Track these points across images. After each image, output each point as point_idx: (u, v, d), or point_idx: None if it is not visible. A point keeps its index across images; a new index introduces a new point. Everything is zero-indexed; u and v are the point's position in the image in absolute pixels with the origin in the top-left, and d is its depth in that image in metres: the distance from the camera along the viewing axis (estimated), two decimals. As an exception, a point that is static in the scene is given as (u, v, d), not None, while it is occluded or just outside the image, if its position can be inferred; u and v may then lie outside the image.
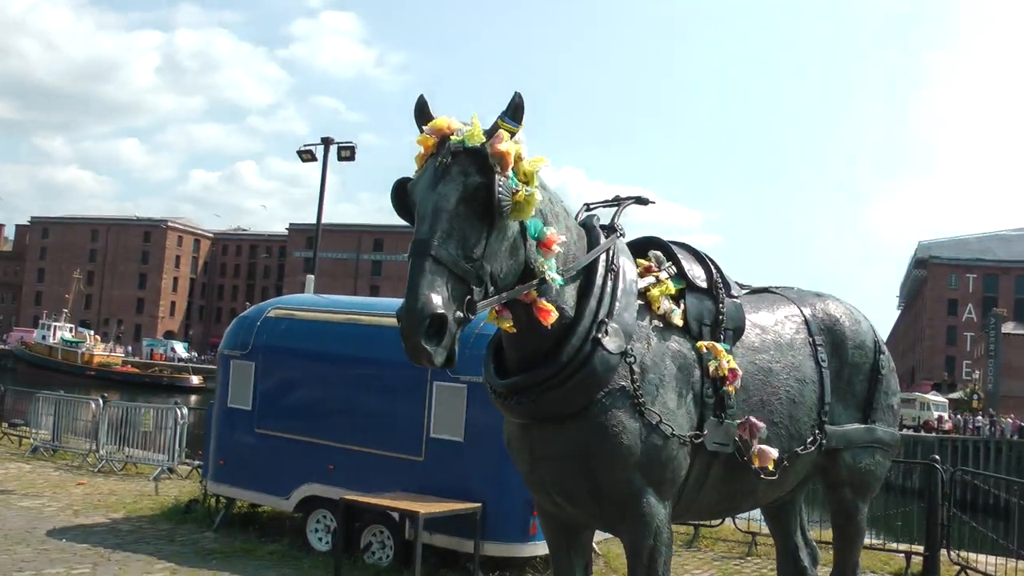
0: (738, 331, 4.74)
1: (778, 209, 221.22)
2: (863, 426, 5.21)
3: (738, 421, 4.48)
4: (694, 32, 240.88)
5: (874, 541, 12.20)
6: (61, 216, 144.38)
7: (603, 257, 4.34)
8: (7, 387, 23.63)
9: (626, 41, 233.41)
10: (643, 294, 4.47)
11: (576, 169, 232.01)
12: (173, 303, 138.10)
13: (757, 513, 12.17)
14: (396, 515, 9.47)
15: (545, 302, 3.98)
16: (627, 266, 4.44)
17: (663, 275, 4.62)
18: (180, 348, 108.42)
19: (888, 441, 5.35)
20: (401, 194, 3.88)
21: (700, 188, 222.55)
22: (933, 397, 68.29)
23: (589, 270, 4.29)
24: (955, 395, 79.03)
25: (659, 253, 4.81)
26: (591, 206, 4.74)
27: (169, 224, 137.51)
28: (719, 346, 4.53)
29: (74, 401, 19.12)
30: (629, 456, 4.16)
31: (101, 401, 18.10)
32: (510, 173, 3.75)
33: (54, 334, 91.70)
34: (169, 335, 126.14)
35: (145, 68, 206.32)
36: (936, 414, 61.84)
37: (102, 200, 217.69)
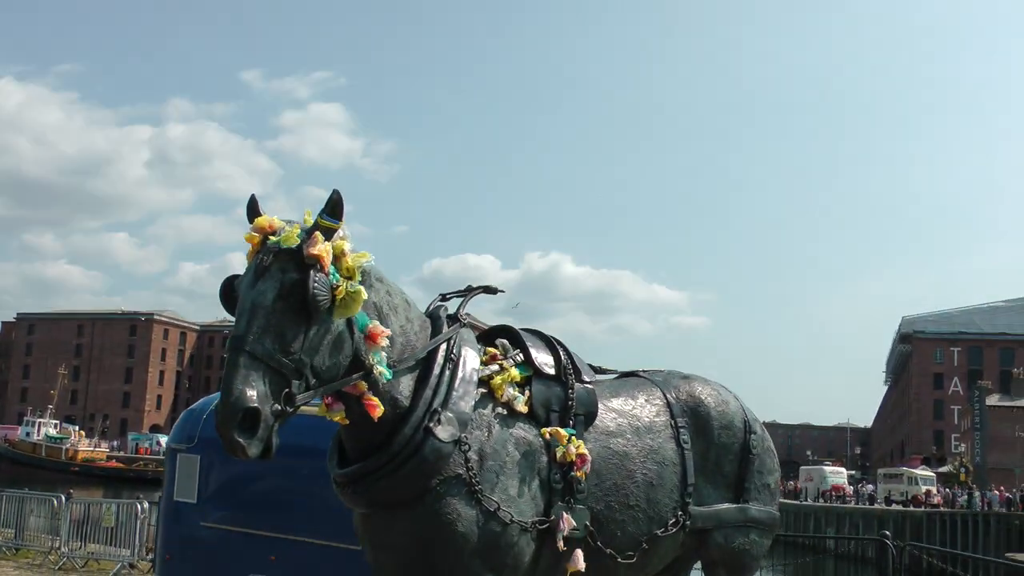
0: (590, 416, 4.77)
1: (765, 287, 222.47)
2: (734, 506, 5.21)
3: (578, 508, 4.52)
4: (676, 112, 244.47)
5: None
6: (47, 312, 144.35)
7: (443, 347, 4.44)
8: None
9: (609, 122, 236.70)
10: (486, 382, 4.52)
11: (564, 254, 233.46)
12: (159, 396, 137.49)
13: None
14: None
15: (372, 395, 4.07)
16: (469, 355, 4.50)
17: (508, 363, 4.66)
18: (165, 441, 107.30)
19: (764, 520, 5.34)
20: (228, 291, 3.98)
21: (685, 269, 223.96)
22: (921, 472, 68.09)
23: (428, 360, 4.38)
24: (944, 469, 78.92)
25: (505, 341, 4.88)
26: (446, 296, 4.85)
27: (156, 317, 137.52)
28: (563, 431, 4.56)
29: (37, 498, 19.02)
30: (465, 543, 4.19)
31: (64, 498, 18.04)
32: (331, 269, 3.86)
33: (38, 431, 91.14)
34: (155, 429, 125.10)
35: (136, 162, 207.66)
36: (924, 488, 61.55)
37: (90, 294, 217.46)
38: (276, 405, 3.70)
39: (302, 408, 3.88)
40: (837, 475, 72.56)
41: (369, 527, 4.45)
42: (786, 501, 66.33)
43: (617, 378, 5.38)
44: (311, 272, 3.79)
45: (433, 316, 4.65)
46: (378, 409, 4.09)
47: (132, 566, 16.11)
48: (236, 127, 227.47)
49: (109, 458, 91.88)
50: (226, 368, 3.71)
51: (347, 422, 4.18)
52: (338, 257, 3.93)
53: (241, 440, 3.60)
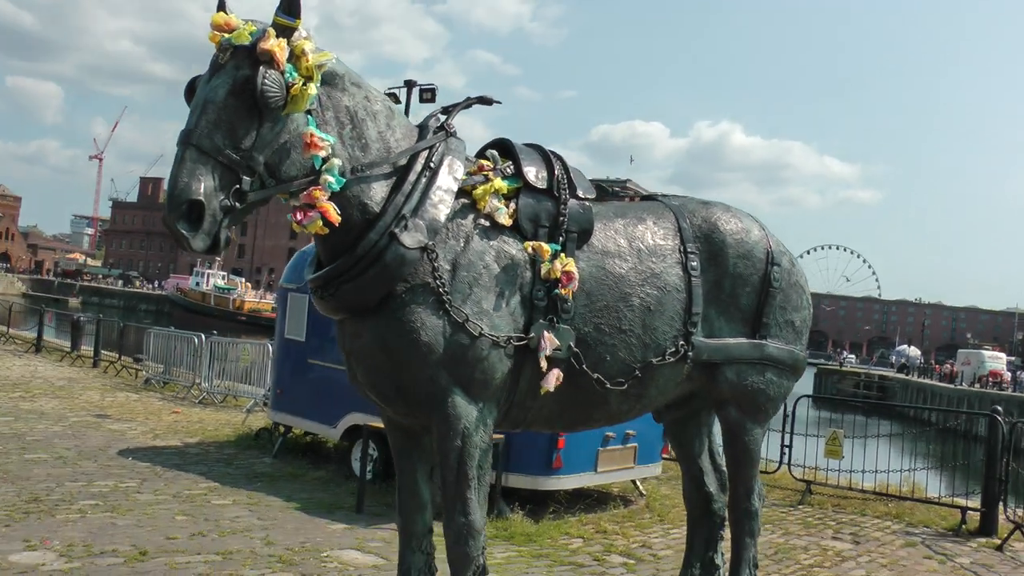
0: (584, 233, 4.62)
1: (940, 162, 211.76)
2: (749, 341, 5.00)
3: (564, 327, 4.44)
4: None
5: (930, 495, 11.90)
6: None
7: (424, 155, 4.36)
8: (126, 323, 25.01)
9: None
10: (468, 193, 4.43)
11: (734, 124, 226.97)
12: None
13: (814, 461, 12.10)
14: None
15: (325, 202, 4.03)
16: (452, 165, 4.40)
17: (493, 174, 4.53)
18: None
19: (784, 359, 5.10)
20: (190, 91, 3.98)
21: (859, 142, 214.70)
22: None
23: (407, 168, 4.31)
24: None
25: (495, 152, 4.75)
26: (448, 109, 4.70)
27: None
28: (546, 246, 4.45)
29: (182, 336, 20.06)
30: (429, 353, 4.18)
31: (204, 336, 18.96)
32: (287, 67, 3.84)
33: (207, 281, 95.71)
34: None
35: (305, 26, 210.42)
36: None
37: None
38: (225, 200, 3.74)
39: None
40: (996, 360, 69.80)
41: (342, 334, 4.51)
42: (939, 384, 64.45)
43: (641, 199, 5.18)
44: (260, 68, 3.77)
45: (421, 126, 4.56)
46: (331, 213, 4.05)
47: (266, 404, 16.91)
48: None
49: (273, 309, 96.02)
50: (174, 161, 3.74)
51: (325, 231, 4.15)
52: (297, 56, 3.90)
53: (184, 232, 3.67)
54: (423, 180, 4.30)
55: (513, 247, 4.45)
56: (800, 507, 11.29)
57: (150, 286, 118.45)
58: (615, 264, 4.69)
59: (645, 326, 4.70)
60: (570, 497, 10.00)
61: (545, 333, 4.38)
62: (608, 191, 5.28)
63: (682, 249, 4.88)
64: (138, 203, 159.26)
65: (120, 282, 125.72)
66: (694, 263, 4.87)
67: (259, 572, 6.98)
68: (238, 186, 3.77)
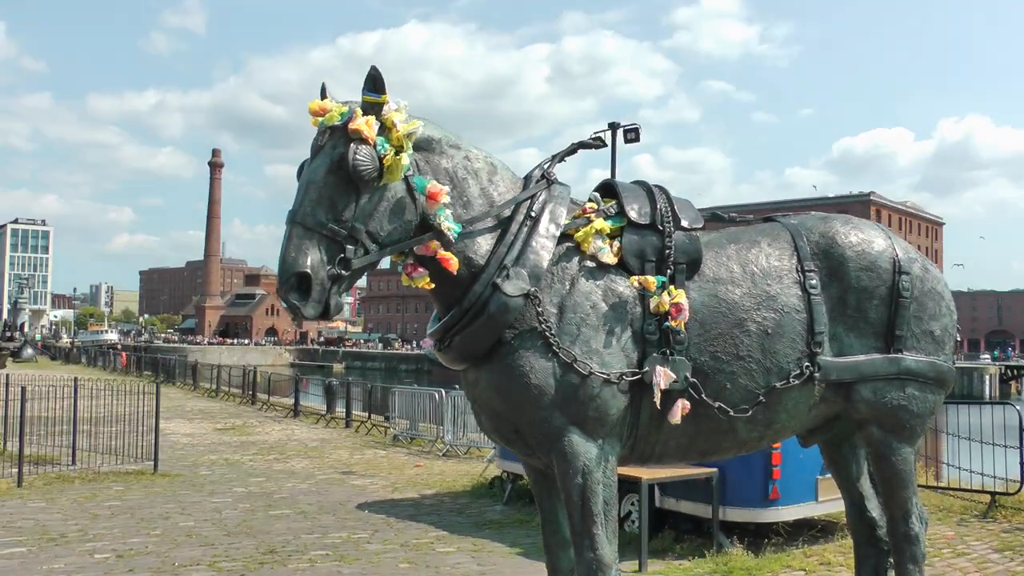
0: (693, 264, 4.56)
1: None
2: (883, 356, 4.72)
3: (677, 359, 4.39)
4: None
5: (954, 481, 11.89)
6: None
7: (525, 206, 4.44)
8: (373, 384, 26.21)
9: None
10: (571, 236, 4.48)
11: (981, 115, 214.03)
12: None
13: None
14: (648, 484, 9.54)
15: (444, 251, 4.20)
16: (555, 211, 4.45)
17: (594, 216, 4.55)
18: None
19: (925, 372, 4.78)
20: (300, 174, 4.28)
21: None
22: None
23: (509, 220, 4.41)
24: None
25: (597, 194, 4.77)
26: (558, 157, 4.77)
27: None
28: (652, 279, 4.41)
29: (425, 393, 20.80)
30: (541, 395, 4.22)
31: (444, 391, 19.59)
32: (379, 140, 4.07)
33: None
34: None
35: (537, 79, 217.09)
36: None
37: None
38: (332, 269, 4.02)
39: None
40: None
41: (466, 383, 4.65)
42: None
43: (756, 222, 5.01)
44: (351, 144, 4.03)
45: (527, 178, 4.66)
46: (452, 262, 4.23)
47: (503, 453, 17.24)
48: (630, 31, 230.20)
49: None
50: (283, 240, 4.05)
51: (432, 286, 4.33)
52: (388, 128, 4.13)
53: (296, 302, 3.98)
54: (524, 229, 4.40)
55: (621, 285, 4.46)
56: (1052, 531, 10.32)
57: (408, 347, 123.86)
58: (728, 291, 4.60)
59: (764, 350, 4.56)
60: (793, 529, 9.58)
61: (658, 367, 4.34)
62: (724, 218, 5.16)
63: (799, 268, 4.72)
64: (390, 268, 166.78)
65: (380, 345, 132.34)
66: (813, 281, 4.69)
67: (466, 615, 7.09)
68: (343, 255, 4.04)
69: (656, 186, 4.81)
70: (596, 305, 4.37)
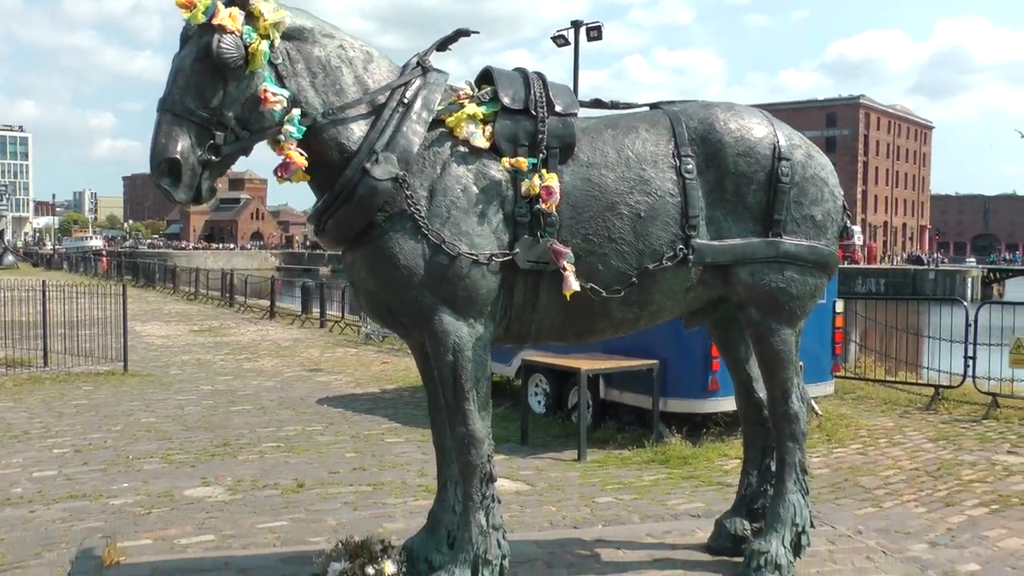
0: (566, 148, 4.68)
1: None
2: (760, 240, 4.87)
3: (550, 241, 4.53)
4: None
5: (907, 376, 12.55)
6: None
7: (399, 93, 4.56)
8: (345, 284, 26.38)
9: None
10: (443, 122, 4.60)
11: (980, 17, 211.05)
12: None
13: (998, 371, 11.43)
14: (590, 375, 9.78)
15: (291, 150, 4.35)
16: (428, 98, 4.59)
17: (467, 101, 4.66)
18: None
19: (804, 255, 4.94)
20: None
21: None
22: None
23: (383, 107, 4.54)
24: None
25: (471, 81, 4.88)
26: (442, 46, 4.87)
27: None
28: (523, 160, 4.55)
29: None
30: (410, 275, 4.42)
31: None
32: (245, 29, 4.21)
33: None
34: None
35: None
36: None
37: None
38: (202, 155, 4.20)
39: None
40: None
41: (344, 265, 4.84)
42: None
43: (642, 107, 5.17)
44: (215, 33, 4.16)
45: (405, 66, 4.76)
46: (295, 159, 4.36)
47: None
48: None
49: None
50: (153, 128, 4.20)
51: (307, 178, 4.49)
52: (255, 18, 4.25)
53: (167, 187, 4.19)
54: (396, 115, 4.53)
55: (493, 169, 4.61)
56: (984, 422, 10.74)
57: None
58: (601, 175, 4.73)
59: (637, 233, 4.72)
60: (731, 420, 9.90)
61: (554, 244, 4.51)
62: (607, 104, 5.25)
63: (676, 153, 4.83)
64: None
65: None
66: (689, 166, 4.81)
67: (402, 500, 7.42)
68: (212, 141, 4.22)
69: (535, 72, 4.90)
70: (467, 188, 4.52)
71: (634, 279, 4.71)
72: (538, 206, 4.56)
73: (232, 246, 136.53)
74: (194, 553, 5.87)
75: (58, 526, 6.76)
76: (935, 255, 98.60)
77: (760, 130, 4.99)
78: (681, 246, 4.75)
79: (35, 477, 8.33)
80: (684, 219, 4.78)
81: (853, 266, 63.31)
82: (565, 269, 4.50)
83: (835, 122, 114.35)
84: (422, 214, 4.44)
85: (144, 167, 4.35)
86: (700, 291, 4.98)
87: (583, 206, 4.68)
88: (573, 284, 4.53)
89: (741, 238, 4.89)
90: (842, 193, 5.25)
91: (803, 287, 4.98)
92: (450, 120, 4.62)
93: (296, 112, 4.36)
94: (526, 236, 4.55)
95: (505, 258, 4.53)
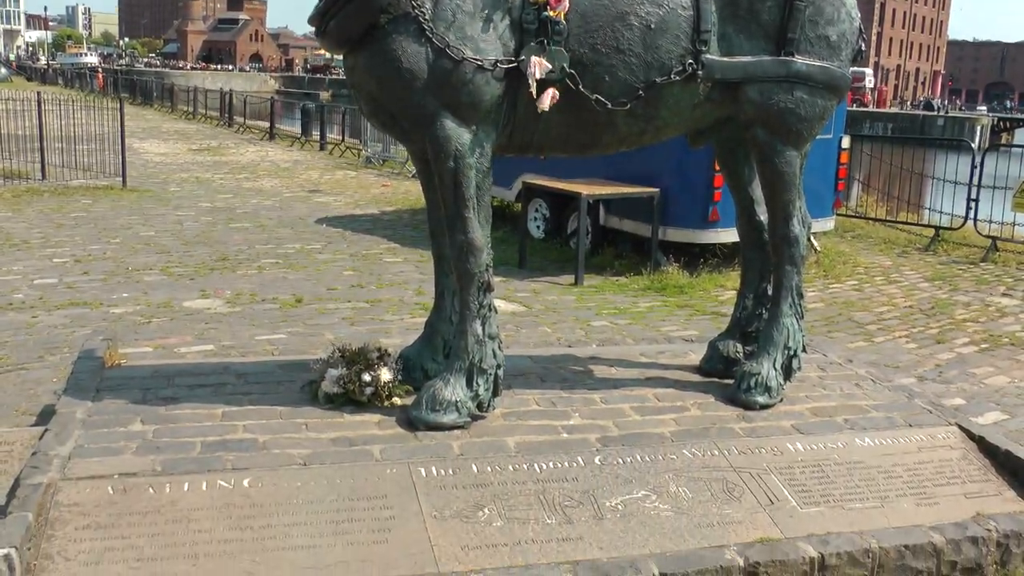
0: None
1: None
2: (772, 58, 4.73)
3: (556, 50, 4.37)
4: None
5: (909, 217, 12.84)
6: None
7: None
8: (347, 107, 26.06)
9: None
10: None
11: None
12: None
13: (1000, 215, 11.41)
14: (589, 200, 9.73)
15: None
16: None
17: None
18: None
19: (815, 76, 4.79)
20: None
21: None
22: None
23: None
24: None
25: None
26: None
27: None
28: None
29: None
30: (413, 79, 4.28)
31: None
32: None
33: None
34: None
35: None
36: None
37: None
38: None
39: None
40: None
41: (346, 69, 4.68)
42: None
43: None
44: None
45: None
46: None
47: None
48: None
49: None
50: None
51: None
52: None
53: None
54: None
55: None
56: (982, 264, 10.78)
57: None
58: None
59: (646, 45, 4.55)
60: (730, 251, 9.92)
61: (534, 57, 4.36)
62: None
63: None
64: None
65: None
66: None
67: (399, 316, 7.50)
68: None
69: None
70: None
71: (641, 92, 4.59)
72: (546, 13, 4.39)
73: (231, 67, 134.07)
74: (194, 360, 5.96)
75: (60, 331, 6.85)
76: (944, 102, 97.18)
77: None
78: (690, 60, 4.61)
79: (36, 284, 8.40)
80: (695, 33, 4.62)
81: (862, 109, 62.53)
82: (532, 83, 4.37)
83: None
84: (427, 16, 4.28)
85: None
86: (707, 108, 4.86)
87: (592, 15, 4.52)
88: (545, 103, 4.44)
89: (752, 55, 4.75)
90: (859, 15, 5.08)
91: (812, 108, 4.87)
92: None
93: None
94: (532, 44, 4.41)
95: (510, 65, 4.40)
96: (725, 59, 4.68)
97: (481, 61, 4.31)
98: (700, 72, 4.62)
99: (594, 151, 4.98)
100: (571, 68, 4.47)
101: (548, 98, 4.42)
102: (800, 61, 4.76)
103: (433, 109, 4.35)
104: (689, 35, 4.59)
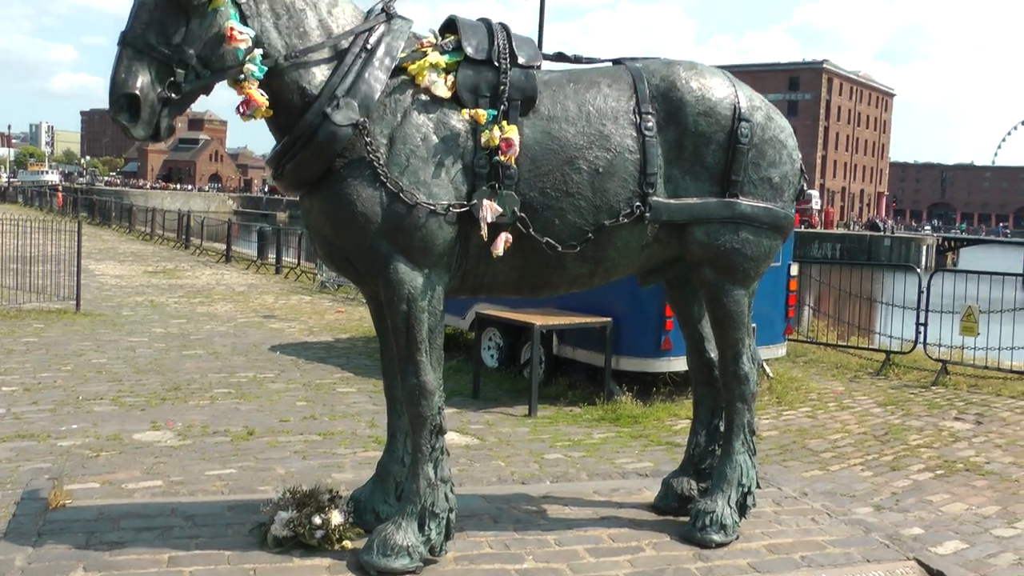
0: (527, 101, 4.66)
1: None
2: (717, 200, 4.89)
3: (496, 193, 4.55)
4: None
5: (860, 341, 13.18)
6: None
7: (363, 38, 4.52)
8: (303, 230, 26.14)
9: None
10: (405, 70, 4.57)
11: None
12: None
13: (949, 338, 11.61)
14: (543, 331, 9.80)
15: (252, 89, 4.31)
16: (391, 45, 4.55)
17: (430, 50, 4.63)
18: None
19: (760, 217, 4.95)
20: None
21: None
22: None
23: (345, 52, 4.51)
24: None
25: (435, 29, 4.85)
26: None
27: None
28: (482, 112, 4.54)
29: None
30: (367, 223, 4.40)
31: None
32: None
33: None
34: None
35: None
36: None
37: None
38: (162, 92, 4.14)
39: None
40: None
41: (302, 211, 4.81)
42: None
43: (602, 63, 5.16)
44: None
45: (369, 12, 4.72)
46: (255, 99, 4.33)
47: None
48: None
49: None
50: (113, 62, 4.12)
51: (271, 113, 4.45)
52: None
53: (125, 123, 4.13)
54: (359, 61, 4.49)
55: (454, 119, 4.59)
56: (933, 388, 10.93)
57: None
58: (561, 129, 4.71)
59: (595, 189, 4.71)
60: (682, 379, 9.98)
61: (485, 201, 4.49)
62: (570, 59, 5.21)
63: (637, 110, 4.82)
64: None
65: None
66: (649, 123, 4.80)
67: (351, 450, 7.42)
68: (172, 79, 4.16)
69: (499, 23, 4.87)
70: (427, 137, 4.50)
71: (590, 235, 4.71)
72: (497, 158, 4.54)
73: (190, 187, 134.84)
74: (141, 498, 5.84)
75: (4, 466, 6.69)
76: (889, 222, 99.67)
77: (721, 90, 4.98)
78: (638, 203, 4.76)
79: (-19, 415, 8.23)
80: (642, 176, 4.77)
81: (810, 230, 63.83)
82: (484, 227, 4.51)
83: (798, 86, 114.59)
84: (381, 162, 4.42)
85: (103, 103, 4.29)
86: (655, 249, 4.99)
87: (542, 159, 4.67)
88: (499, 247, 4.55)
89: (698, 197, 4.90)
90: (800, 156, 5.27)
91: (758, 248, 5.01)
92: (412, 68, 4.58)
93: (258, 52, 4.32)
94: (484, 188, 4.53)
95: (462, 209, 4.51)
96: (672, 201, 4.83)
97: (434, 205, 4.43)
98: (648, 214, 4.77)
99: (545, 292, 5.08)
100: (522, 212, 4.59)
101: (502, 243, 4.53)
102: (745, 203, 4.92)
103: (387, 252, 4.43)
104: (636, 178, 4.75)
